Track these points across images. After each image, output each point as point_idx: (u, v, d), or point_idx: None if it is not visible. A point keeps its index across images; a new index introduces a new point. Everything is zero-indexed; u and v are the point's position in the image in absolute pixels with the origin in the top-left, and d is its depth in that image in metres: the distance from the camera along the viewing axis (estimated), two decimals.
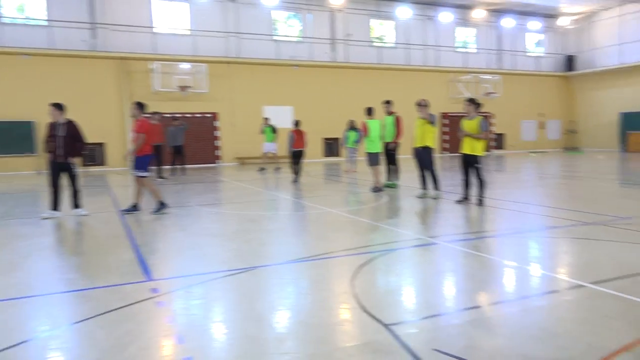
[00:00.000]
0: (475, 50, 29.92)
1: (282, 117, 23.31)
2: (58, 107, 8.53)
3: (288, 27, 25.32)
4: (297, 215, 9.02)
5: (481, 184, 8.96)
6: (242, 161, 23.38)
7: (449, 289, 4.59)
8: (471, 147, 8.93)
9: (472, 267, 5.14)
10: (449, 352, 3.10)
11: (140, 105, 9.06)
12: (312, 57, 25.14)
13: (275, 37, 24.67)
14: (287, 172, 16.64)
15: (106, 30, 21.08)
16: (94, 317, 3.87)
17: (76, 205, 8.80)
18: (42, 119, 8.52)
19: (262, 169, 18.84)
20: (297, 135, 14.57)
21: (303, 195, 11.52)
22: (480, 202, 8.90)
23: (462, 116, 9.38)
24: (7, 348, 3.37)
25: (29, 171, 19.81)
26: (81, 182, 9.23)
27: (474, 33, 29.97)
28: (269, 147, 18.97)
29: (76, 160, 8.71)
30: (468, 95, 25.45)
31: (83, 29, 20.74)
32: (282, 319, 3.85)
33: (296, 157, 14.48)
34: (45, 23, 20.34)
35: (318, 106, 24.74)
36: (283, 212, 9.34)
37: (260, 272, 5.13)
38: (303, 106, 24.17)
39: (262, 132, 19.08)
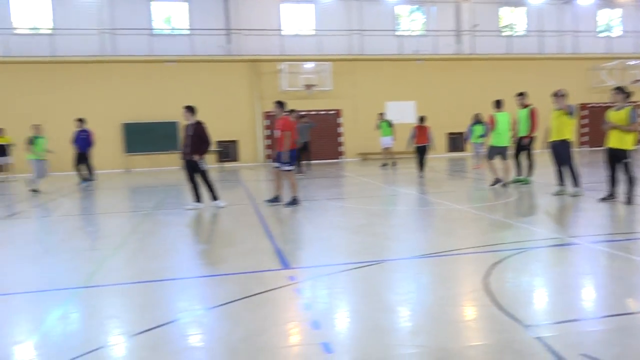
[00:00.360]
0: (620, 34, 26.97)
1: (405, 113, 23.10)
2: (189, 109, 9.30)
3: (411, 21, 24.98)
4: (422, 210, 8.91)
5: (630, 181, 8.11)
6: (365, 157, 23.60)
7: (594, 293, 4.25)
8: (619, 140, 8.10)
9: (621, 270, 4.70)
10: (600, 359, 2.89)
11: (280, 104, 9.51)
12: (437, 50, 24.54)
13: (398, 33, 24.50)
14: (406, 168, 16.49)
15: (239, 35, 22.55)
16: (238, 300, 4.21)
17: (214, 197, 9.54)
18: (183, 119, 9.41)
19: (384, 165, 18.86)
20: (420, 130, 14.39)
21: (427, 190, 11.35)
22: (629, 201, 8.05)
23: (607, 107, 8.56)
24: (159, 326, 3.80)
25: (174, 167, 21.91)
26: (212, 176, 9.84)
27: (619, 14, 27.02)
28: (386, 141, 18.92)
29: (199, 158, 9.22)
30: (612, 83, 23.04)
31: (219, 35, 22.42)
32: (412, 313, 3.86)
33: (420, 152, 14.32)
34: (188, 32, 22.33)
35: (442, 100, 24.11)
36: (408, 208, 9.29)
37: (388, 265, 5.18)
38: (426, 101, 23.71)
39: (378, 127, 19.09)
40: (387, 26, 24.18)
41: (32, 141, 13.50)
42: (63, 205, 11.16)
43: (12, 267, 5.83)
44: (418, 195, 10.77)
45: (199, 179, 9.44)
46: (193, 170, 9.34)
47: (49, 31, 20.95)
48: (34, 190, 13.17)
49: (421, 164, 14.32)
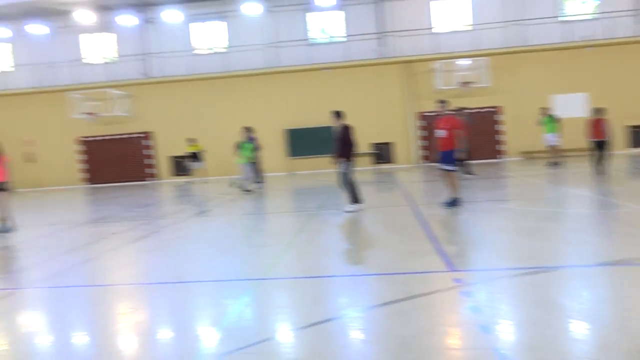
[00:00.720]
0: None
1: (575, 106, 21.05)
2: (336, 114, 9.61)
3: (580, 4, 22.66)
4: (601, 213, 8.07)
5: None
6: (529, 155, 22.03)
7: None
8: None
9: None
10: None
11: (444, 103, 9.34)
12: (612, 34, 21.89)
13: (563, 18, 22.42)
14: (577, 167, 14.99)
15: (392, 37, 22.71)
16: (404, 299, 4.29)
17: (351, 201, 9.48)
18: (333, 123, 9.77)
19: (552, 164, 17.39)
20: (595, 124, 13.00)
21: (607, 191, 10.21)
22: None
23: None
24: (327, 320, 4.03)
25: (333, 169, 22.84)
26: (355, 180, 9.60)
27: None
28: (550, 138, 17.32)
29: (344, 161, 9.36)
30: None
31: (372, 39, 22.83)
32: (596, 325, 3.56)
33: (598, 148, 12.92)
34: (344, 39, 23.15)
35: (620, 90, 21.43)
36: (583, 210, 8.48)
37: (565, 272, 4.83)
38: (601, 91, 21.29)
39: (541, 123, 17.55)
40: (550, 12, 22.28)
41: (240, 146, 14.90)
42: (240, 205, 12.37)
43: (202, 258, 6.67)
44: (595, 196, 9.76)
45: (350, 181, 9.55)
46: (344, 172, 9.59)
47: (223, 50, 23.37)
48: (247, 190, 14.47)
49: (598, 161, 12.92)
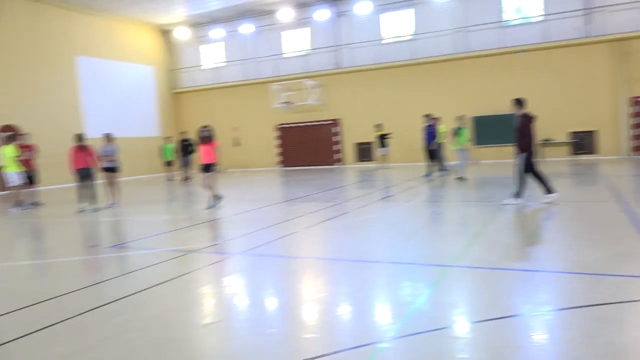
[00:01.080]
0: None
1: None
2: (516, 102, 9.07)
3: None
4: None
5: None
6: None
7: None
8: None
9: None
10: None
11: None
12: None
13: None
14: None
15: (601, 13, 20.06)
16: (614, 303, 3.85)
17: (516, 194, 9.03)
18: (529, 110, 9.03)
19: None
20: None
21: None
22: None
23: None
24: (507, 317, 3.78)
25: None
26: (535, 171, 8.88)
27: None
28: None
29: (519, 152, 8.81)
30: None
31: (576, 17, 20.47)
32: None
33: None
34: (541, 18, 21.22)
35: None
36: None
37: None
38: None
39: None
40: None
41: (457, 132, 14.68)
42: (422, 192, 12.33)
43: (386, 241, 6.85)
44: None
45: (534, 173, 8.97)
46: (530, 163, 8.97)
47: (410, 37, 23.34)
48: (460, 178, 14.19)
49: None
